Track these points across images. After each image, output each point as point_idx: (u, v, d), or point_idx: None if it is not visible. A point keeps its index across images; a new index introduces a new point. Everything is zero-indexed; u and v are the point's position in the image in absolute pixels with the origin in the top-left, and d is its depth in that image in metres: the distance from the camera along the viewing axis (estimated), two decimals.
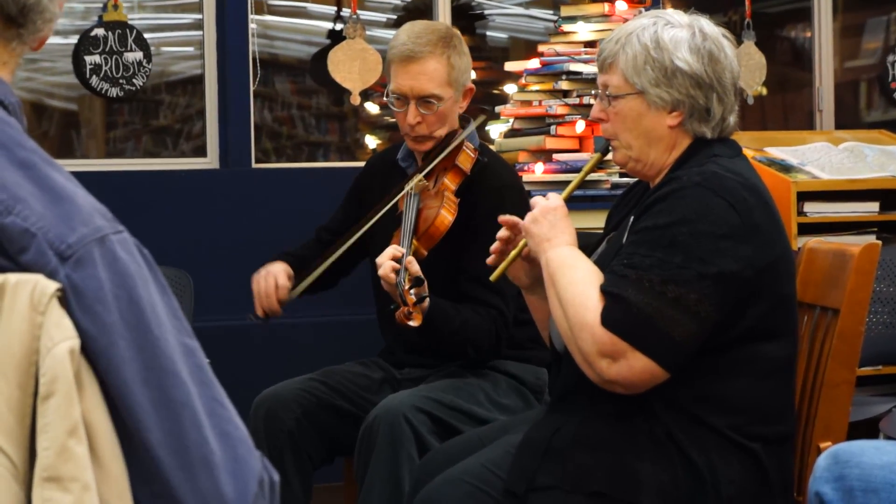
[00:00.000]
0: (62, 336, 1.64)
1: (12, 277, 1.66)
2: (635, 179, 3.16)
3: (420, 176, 3.75)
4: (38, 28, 1.87)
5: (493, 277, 3.07)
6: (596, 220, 3.24)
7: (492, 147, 5.01)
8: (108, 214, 1.73)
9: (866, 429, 4.34)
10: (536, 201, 2.96)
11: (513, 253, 3.02)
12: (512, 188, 3.82)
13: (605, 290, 2.74)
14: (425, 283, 3.46)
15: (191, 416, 1.70)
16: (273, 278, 3.90)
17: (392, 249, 3.52)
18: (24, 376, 1.64)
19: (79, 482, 1.63)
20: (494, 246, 3.09)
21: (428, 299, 3.49)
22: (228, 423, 1.74)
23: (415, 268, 3.47)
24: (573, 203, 4.45)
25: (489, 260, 3.11)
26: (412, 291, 3.43)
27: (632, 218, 2.87)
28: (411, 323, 3.42)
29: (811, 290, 3.15)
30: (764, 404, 2.84)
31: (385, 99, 3.92)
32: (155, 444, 1.68)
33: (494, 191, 3.76)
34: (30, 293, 1.64)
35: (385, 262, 3.49)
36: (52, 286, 1.65)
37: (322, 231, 4.14)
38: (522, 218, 3.04)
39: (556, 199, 2.95)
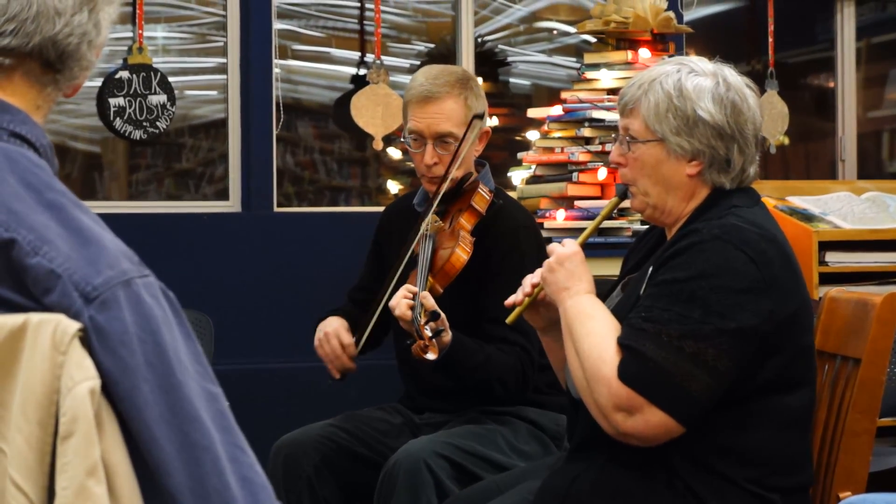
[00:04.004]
0: (83, 376, 1.65)
1: (34, 317, 1.66)
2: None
3: (432, 214, 3.76)
4: (74, 75, 1.89)
5: (508, 321, 3.07)
6: (616, 269, 3.23)
7: (514, 193, 5.03)
8: (134, 258, 1.74)
9: (886, 479, 4.31)
10: (553, 248, 2.94)
11: (528, 298, 3.01)
12: (527, 229, 3.84)
13: (622, 344, 2.72)
14: (441, 317, 3.47)
15: (213, 460, 1.70)
16: (336, 338, 3.87)
17: (404, 289, 3.54)
18: (44, 415, 1.65)
19: None
20: (511, 299, 3.07)
21: (448, 333, 3.50)
22: (250, 470, 1.74)
23: (430, 302, 3.49)
24: (593, 251, 4.44)
25: (507, 302, 3.10)
26: (428, 326, 3.45)
27: (650, 269, 2.85)
28: (428, 356, 3.44)
29: (832, 340, 3.14)
30: (783, 455, 2.82)
31: (402, 140, 3.94)
32: (177, 489, 1.68)
33: (510, 232, 3.78)
34: (51, 333, 1.65)
35: (399, 301, 3.51)
36: (74, 326, 1.66)
37: (353, 292, 4.12)
38: (537, 258, 3.04)
39: (572, 245, 2.93)
